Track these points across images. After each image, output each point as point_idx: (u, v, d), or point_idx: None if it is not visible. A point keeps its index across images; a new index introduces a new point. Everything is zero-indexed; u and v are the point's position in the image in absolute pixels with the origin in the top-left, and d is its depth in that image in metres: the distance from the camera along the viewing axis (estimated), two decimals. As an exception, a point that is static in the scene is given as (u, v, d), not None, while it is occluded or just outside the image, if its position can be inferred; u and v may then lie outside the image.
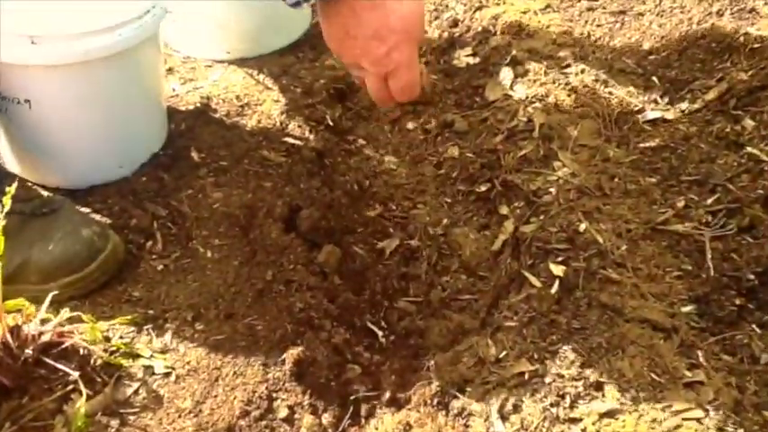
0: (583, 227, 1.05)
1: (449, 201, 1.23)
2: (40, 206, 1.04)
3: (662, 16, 1.52)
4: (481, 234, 1.16)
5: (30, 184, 1.18)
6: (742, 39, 1.32)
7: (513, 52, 1.44)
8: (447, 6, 1.71)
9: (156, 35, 1.17)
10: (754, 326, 0.95)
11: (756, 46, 1.30)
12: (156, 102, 1.24)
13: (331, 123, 1.36)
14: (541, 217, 1.09)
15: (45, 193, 1.17)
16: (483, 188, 1.21)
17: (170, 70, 1.48)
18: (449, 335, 1.03)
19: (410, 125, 1.41)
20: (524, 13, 1.58)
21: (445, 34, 1.62)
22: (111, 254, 1.02)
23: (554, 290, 0.98)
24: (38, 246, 1.00)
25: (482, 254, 1.14)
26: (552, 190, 1.13)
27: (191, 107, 1.36)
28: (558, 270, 0.99)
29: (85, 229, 1.02)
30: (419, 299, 1.11)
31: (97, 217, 1.13)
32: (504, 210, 1.16)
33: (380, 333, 1.06)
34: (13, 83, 1.07)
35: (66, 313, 0.93)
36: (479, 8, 1.64)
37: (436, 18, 1.70)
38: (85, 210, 1.14)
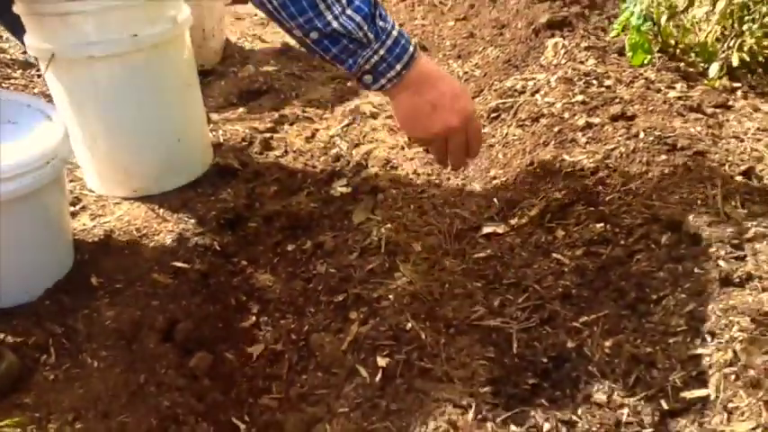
0: (409, 326, 1.26)
1: (312, 310, 1.44)
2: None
3: (506, 146, 1.80)
4: (336, 337, 1.35)
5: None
6: (558, 165, 1.59)
7: (379, 182, 1.70)
8: (335, 144, 1.99)
9: (60, 180, 1.40)
10: (543, 400, 1.14)
11: (569, 170, 1.56)
12: (59, 237, 1.45)
13: (218, 248, 1.58)
14: (378, 319, 1.30)
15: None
16: (340, 298, 1.42)
17: (83, 208, 1.71)
18: (302, 425, 1.21)
19: (290, 247, 1.63)
20: (392, 148, 1.85)
21: (328, 168, 1.88)
22: (4, 372, 1.20)
23: (378, 378, 1.17)
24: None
25: (335, 354, 1.32)
26: (391, 296, 1.35)
27: (96, 239, 1.57)
28: (382, 362, 1.19)
29: (-18, 351, 1.20)
30: (280, 395, 1.29)
31: (0, 337, 1.31)
32: (353, 315, 1.36)
33: (243, 426, 1.23)
34: None
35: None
36: (357, 145, 1.92)
37: (325, 154, 1.97)
38: (-10, 331, 1.32)
